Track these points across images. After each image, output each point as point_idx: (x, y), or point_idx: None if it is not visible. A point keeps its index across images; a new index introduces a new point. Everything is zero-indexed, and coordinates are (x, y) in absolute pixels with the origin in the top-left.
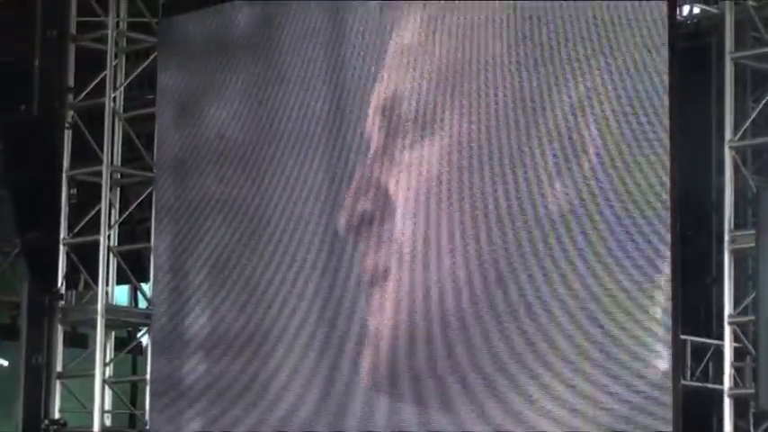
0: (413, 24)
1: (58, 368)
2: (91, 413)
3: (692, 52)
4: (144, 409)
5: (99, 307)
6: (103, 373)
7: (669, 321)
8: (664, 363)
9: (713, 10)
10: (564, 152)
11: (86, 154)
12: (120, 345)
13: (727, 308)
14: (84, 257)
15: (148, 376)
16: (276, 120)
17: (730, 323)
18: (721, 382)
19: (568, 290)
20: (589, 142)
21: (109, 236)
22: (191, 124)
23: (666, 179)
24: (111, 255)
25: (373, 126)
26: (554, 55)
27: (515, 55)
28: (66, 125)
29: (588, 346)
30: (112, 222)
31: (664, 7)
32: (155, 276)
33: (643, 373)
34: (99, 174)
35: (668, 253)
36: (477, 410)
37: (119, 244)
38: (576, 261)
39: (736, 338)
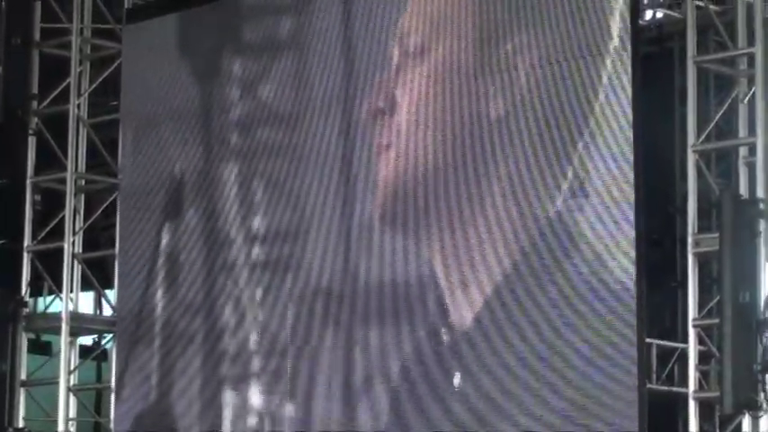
0: None
1: (22, 376)
2: (55, 421)
3: (654, 56)
4: (108, 416)
5: (63, 314)
6: (68, 380)
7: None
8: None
9: (676, 15)
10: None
11: (50, 160)
12: (84, 352)
13: (692, 311)
14: (49, 264)
15: (113, 383)
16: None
17: (695, 326)
18: (686, 386)
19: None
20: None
21: (73, 242)
22: (154, 130)
23: (630, 183)
24: (75, 261)
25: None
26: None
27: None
28: (30, 132)
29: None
30: (77, 229)
31: (627, 12)
32: (119, 282)
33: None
34: (63, 180)
35: (633, 254)
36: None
37: (83, 251)
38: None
39: (700, 342)
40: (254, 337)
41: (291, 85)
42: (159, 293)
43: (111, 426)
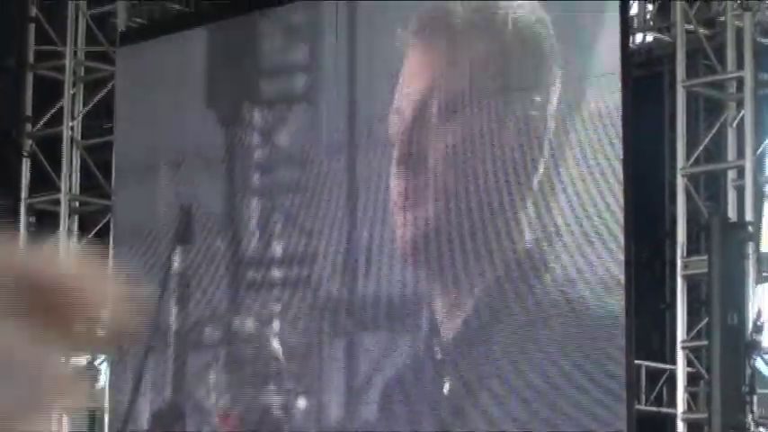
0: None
1: None
2: None
3: (644, 80)
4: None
5: None
6: None
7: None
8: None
9: (666, 38)
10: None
11: (45, 182)
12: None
13: (681, 333)
14: None
15: (106, 404)
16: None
17: (683, 348)
18: (675, 407)
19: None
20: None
21: None
22: (145, 151)
23: (620, 205)
24: None
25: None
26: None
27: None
28: (25, 153)
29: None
30: (71, 248)
31: (617, 36)
32: None
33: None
34: (57, 202)
35: (623, 278)
36: None
37: None
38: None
39: (689, 363)
40: (274, 344)
41: (304, 132)
42: (173, 310)
43: None
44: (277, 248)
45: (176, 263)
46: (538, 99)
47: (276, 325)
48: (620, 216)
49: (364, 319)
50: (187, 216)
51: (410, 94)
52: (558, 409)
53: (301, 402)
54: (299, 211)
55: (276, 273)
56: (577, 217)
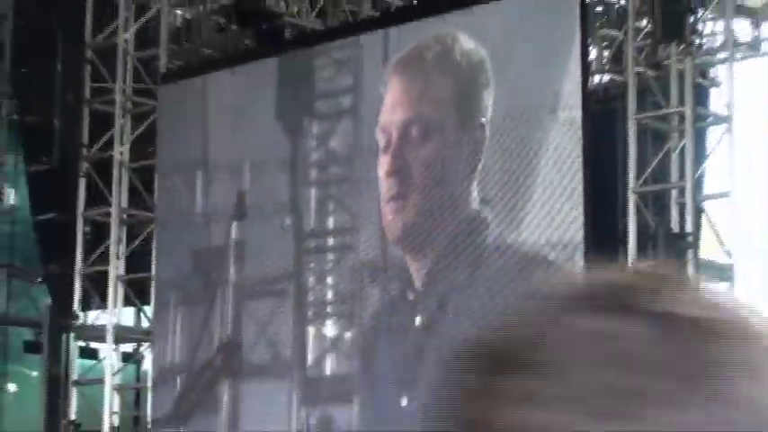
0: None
1: (74, 377)
2: (101, 415)
3: (602, 114)
4: (146, 410)
5: (109, 326)
6: (112, 380)
7: None
8: None
9: (619, 79)
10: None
11: (98, 198)
12: (125, 357)
13: None
14: (97, 284)
15: (149, 383)
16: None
17: None
18: None
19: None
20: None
21: (117, 266)
22: (184, 173)
23: (581, 218)
24: (118, 282)
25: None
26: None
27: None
28: (81, 174)
29: None
30: (120, 255)
31: (578, 76)
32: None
33: None
34: (109, 214)
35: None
36: None
37: (125, 273)
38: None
39: None
40: (328, 293)
41: (350, 138)
42: (231, 268)
43: (149, 417)
44: (329, 224)
45: (234, 234)
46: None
47: (330, 279)
48: (582, 227)
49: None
50: (242, 200)
51: (394, 119)
52: None
53: (347, 335)
54: (346, 196)
55: (330, 241)
56: (545, 227)
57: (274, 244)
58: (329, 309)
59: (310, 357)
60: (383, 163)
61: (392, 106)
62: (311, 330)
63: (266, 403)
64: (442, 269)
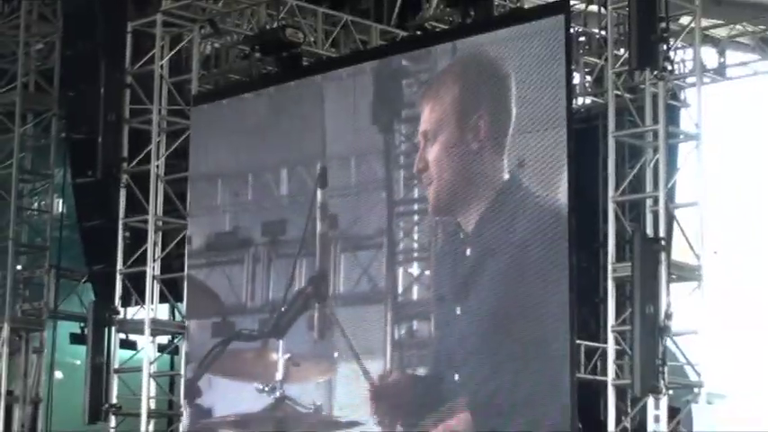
0: None
1: (115, 365)
2: (140, 399)
3: (585, 131)
4: (179, 395)
5: (146, 319)
6: (149, 369)
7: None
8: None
9: (600, 101)
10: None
11: (136, 207)
12: (161, 348)
13: (611, 320)
14: (135, 283)
15: (182, 371)
16: None
17: (613, 331)
18: (606, 375)
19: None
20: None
21: (153, 267)
22: (213, 185)
23: (565, 224)
24: (155, 281)
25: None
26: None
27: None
28: (122, 185)
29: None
30: (156, 257)
31: (563, 99)
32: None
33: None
34: (146, 221)
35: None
36: None
37: (161, 273)
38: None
39: (617, 342)
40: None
41: None
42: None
43: (182, 400)
44: (415, 195)
45: (319, 198)
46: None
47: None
48: (566, 232)
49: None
50: (324, 173)
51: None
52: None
53: (426, 272)
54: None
55: (414, 206)
56: (534, 234)
57: (369, 211)
58: (414, 254)
59: (400, 288)
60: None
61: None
62: (400, 270)
63: (365, 322)
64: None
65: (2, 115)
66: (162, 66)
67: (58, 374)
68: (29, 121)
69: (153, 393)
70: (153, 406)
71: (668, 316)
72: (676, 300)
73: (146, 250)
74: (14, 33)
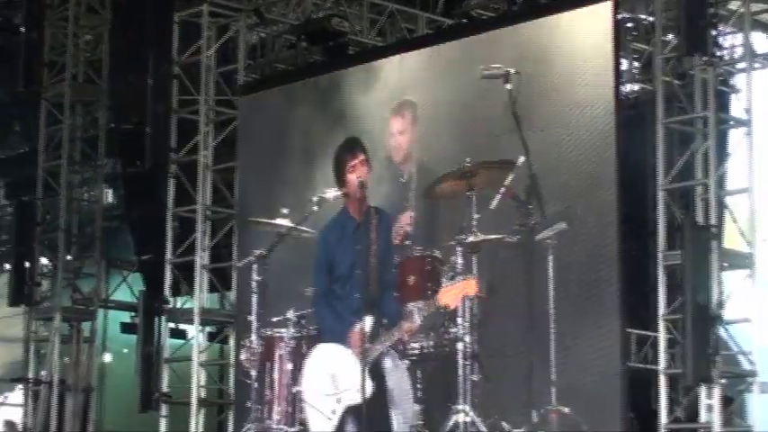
0: None
1: (166, 355)
2: (189, 388)
3: (633, 118)
4: (229, 384)
5: (195, 309)
6: (199, 358)
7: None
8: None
9: (649, 87)
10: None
11: (185, 196)
12: (210, 337)
13: (661, 308)
14: (185, 272)
15: (232, 360)
16: None
17: (664, 320)
18: (658, 364)
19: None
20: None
21: (202, 257)
22: (261, 174)
23: (615, 214)
24: (204, 271)
25: None
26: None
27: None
28: (170, 175)
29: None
30: (205, 247)
31: (611, 85)
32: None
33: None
34: (194, 211)
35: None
36: None
37: (210, 262)
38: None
39: (668, 331)
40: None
41: None
42: None
43: (231, 389)
44: None
45: None
46: None
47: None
48: (615, 221)
49: None
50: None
51: None
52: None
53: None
54: None
55: None
56: (582, 222)
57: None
58: None
59: None
60: None
61: None
62: None
63: None
64: None
65: (52, 106)
66: (209, 56)
67: (108, 357)
68: (78, 112)
69: (203, 382)
70: (203, 395)
71: (720, 304)
72: (728, 288)
73: (194, 240)
74: (63, 25)
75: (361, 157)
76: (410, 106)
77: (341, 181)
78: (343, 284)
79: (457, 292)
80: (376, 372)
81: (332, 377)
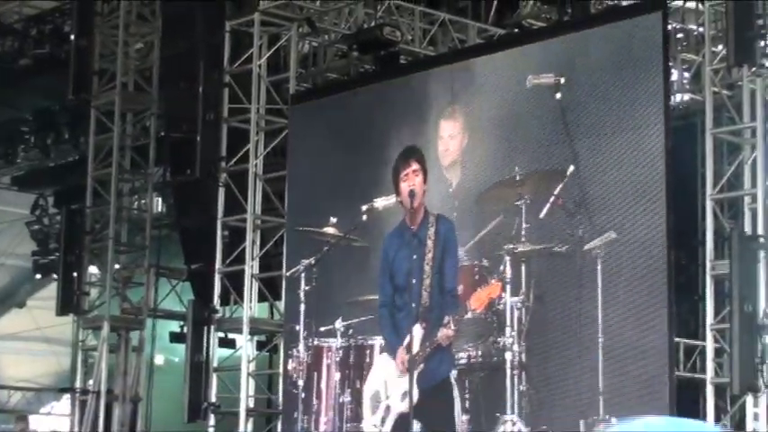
0: None
1: (214, 364)
2: (238, 397)
3: (682, 128)
4: (278, 393)
5: (244, 318)
6: (248, 367)
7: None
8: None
9: (698, 97)
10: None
11: (235, 205)
12: (260, 346)
13: (709, 318)
14: (234, 282)
15: (281, 369)
16: None
17: (711, 329)
18: (705, 373)
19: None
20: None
21: (252, 266)
22: (311, 184)
23: (663, 223)
24: (253, 280)
25: None
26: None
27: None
28: (220, 184)
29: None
30: (254, 256)
31: (661, 95)
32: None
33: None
34: (244, 220)
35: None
36: None
37: (259, 272)
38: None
39: (716, 341)
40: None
41: None
42: None
43: (280, 399)
44: None
45: None
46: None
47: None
48: (664, 231)
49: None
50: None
51: None
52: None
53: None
54: None
55: None
56: (630, 232)
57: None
58: None
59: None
60: None
61: None
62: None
63: None
64: None
65: (101, 114)
66: (260, 65)
67: (159, 360)
68: (128, 120)
69: (252, 392)
70: (251, 405)
71: (767, 315)
72: None
73: (244, 249)
74: (114, 33)
75: (415, 166)
76: (462, 113)
77: (396, 189)
78: (402, 294)
79: (483, 295)
80: (444, 384)
81: (384, 385)
